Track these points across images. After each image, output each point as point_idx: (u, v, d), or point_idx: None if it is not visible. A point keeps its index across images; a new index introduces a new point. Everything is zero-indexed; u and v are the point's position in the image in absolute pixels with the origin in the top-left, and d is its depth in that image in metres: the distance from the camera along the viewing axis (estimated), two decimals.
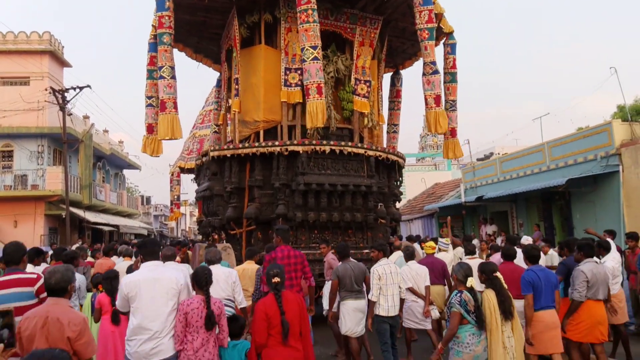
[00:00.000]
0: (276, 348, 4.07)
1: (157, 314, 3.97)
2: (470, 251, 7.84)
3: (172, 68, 10.02)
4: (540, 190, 14.04)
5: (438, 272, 7.32)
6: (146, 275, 4.08)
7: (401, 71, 14.13)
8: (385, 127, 13.40)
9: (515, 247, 6.93)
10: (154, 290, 4.01)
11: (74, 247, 14.38)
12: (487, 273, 4.78)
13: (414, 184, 28.04)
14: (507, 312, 4.57)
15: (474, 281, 4.60)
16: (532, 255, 5.49)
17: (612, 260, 6.53)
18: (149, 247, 4.32)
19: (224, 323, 4.28)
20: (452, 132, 11.65)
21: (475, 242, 12.72)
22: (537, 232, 14.50)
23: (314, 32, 9.08)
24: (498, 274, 4.79)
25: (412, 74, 59.38)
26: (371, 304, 6.03)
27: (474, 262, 7.33)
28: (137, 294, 3.99)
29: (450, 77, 11.63)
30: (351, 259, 6.44)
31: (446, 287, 7.42)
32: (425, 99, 10.31)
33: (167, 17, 9.87)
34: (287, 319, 4.09)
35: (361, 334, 6.30)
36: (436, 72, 10.18)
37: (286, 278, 5.88)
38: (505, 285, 4.79)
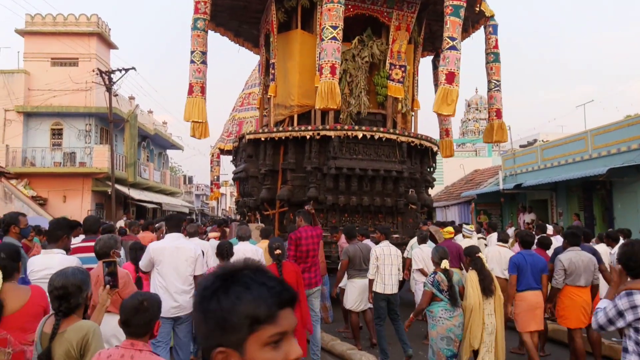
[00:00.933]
0: None
1: (179, 275, 4.69)
2: (502, 239, 7.92)
3: (204, 53, 10.27)
4: (581, 179, 13.70)
5: (453, 256, 7.44)
6: (170, 244, 4.81)
7: None
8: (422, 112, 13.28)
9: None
10: (176, 257, 4.73)
11: (120, 223, 15.10)
12: (470, 255, 5.17)
13: (452, 170, 27.66)
14: (487, 290, 4.94)
15: (447, 263, 4.98)
16: (525, 241, 6.07)
17: None
18: (174, 221, 5.13)
19: None
20: (497, 114, 11.43)
21: (510, 230, 12.65)
22: (577, 221, 14.19)
23: (336, 12, 9.11)
24: (480, 254, 5.13)
25: None
26: (370, 282, 6.35)
27: (503, 250, 7.43)
28: (162, 259, 4.71)
29: (494, 56, 11.41)
30: (358, 241, 6.79)
31: (463, 270, 7.54)
32: (438, 75, 10.02)
33: (202, 3, 10.11)
34: None
35: (364, 310, 6.67)
36: (453, 47, 9.41)
37: (309, 256, 6.31)
38: (488, 266, 5.18)
